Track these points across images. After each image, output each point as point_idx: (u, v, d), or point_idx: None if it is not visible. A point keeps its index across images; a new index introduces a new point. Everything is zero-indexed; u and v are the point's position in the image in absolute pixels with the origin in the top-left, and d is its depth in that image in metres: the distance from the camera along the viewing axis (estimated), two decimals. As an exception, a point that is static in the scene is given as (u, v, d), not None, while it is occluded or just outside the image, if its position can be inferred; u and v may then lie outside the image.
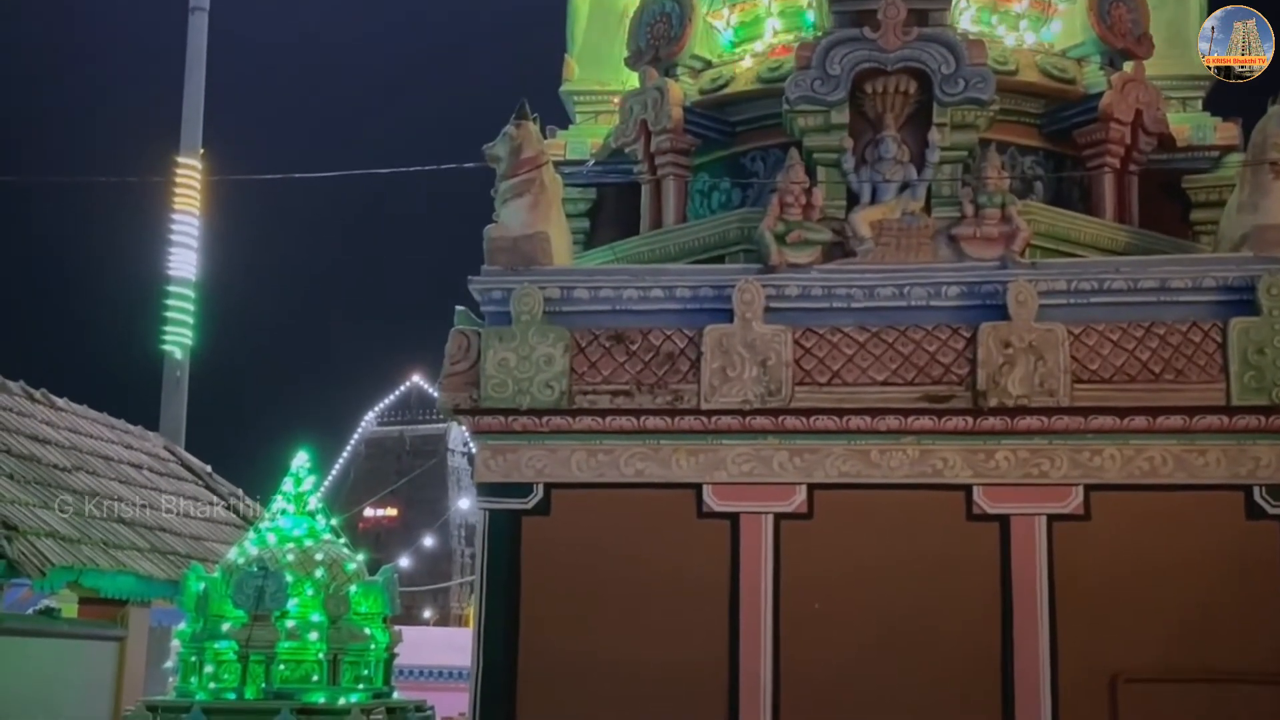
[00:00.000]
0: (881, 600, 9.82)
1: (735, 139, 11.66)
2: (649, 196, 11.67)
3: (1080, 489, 9.79)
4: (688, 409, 9.90)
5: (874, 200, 10.38)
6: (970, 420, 9.75)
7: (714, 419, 9.89)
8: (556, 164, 11.13)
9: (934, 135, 10.37)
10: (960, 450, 9.83)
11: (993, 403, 9.70)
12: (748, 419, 9.85)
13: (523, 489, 10.07)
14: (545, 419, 9.99)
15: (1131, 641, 9.61)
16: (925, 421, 9.79)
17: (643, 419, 9.95)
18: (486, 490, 10.20)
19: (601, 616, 9.90)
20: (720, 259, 10.81)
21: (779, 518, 9.89)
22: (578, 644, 9.85)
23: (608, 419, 9.96)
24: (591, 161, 12.17)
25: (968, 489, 9.84)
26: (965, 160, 10.48)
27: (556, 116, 12.76)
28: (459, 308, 10.47)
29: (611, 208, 12.10)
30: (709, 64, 11.93)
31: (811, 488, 9.89)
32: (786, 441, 9.90)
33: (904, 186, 10.42)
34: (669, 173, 11.55)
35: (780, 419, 9.83)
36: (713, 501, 9.96)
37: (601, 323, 10.16)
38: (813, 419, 9.82)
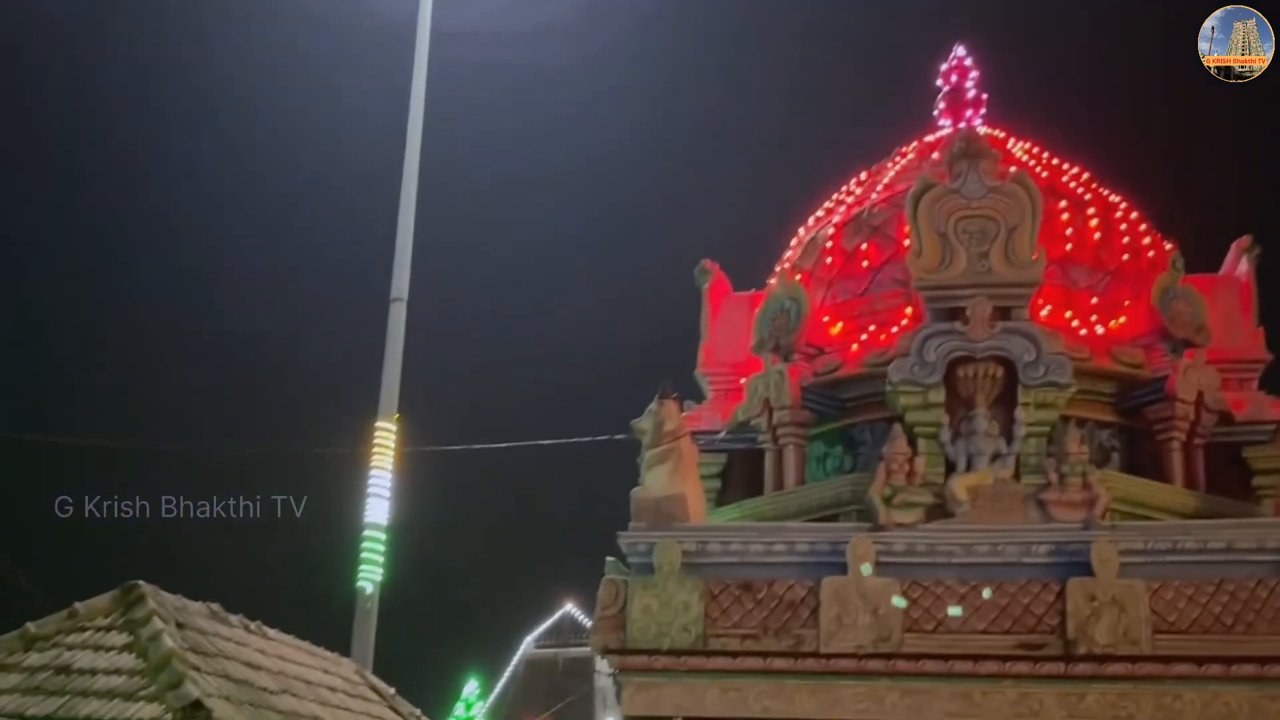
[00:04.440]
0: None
1: (846, 414, 11.64)
2: (771, 462, 11.66)
3: (1165, 731, 9.26)
4: (808, 652, 9.65)
5: (969, 468, 10.25)
6: (1062, 666, 9.36)
7: (832, 661, 9.62)
8: (692, 434, 11.19)
9: (1020, 413, 10.27)
10: (1054, 693, 9.41)
11: (1082, 651, 9.31)
12: (862, 662, 9.56)
13: (663, 722, 9.81)
14: (683, 659, 9.80)
15: None
16: (1022, 667, 9.41)
17: (769, 660, 9.71)
18: (632, 723, 9.96)
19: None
20: (834, 518, 10.69)
21: (893, 754, 9.49)
22: None
23: (738, 659, 9.74)
24: (722, 432, 12.21)
25: (1063, 729, 9.36)
26: (1048, 434, 10.33)
27: (692, 393, 12.90)
28: (609, 559, 10.44)
29: (739, 471, 12.09)
30: (822, 350, 12.01)
31: (921, 727, 9.50)
32: (897, 683, 9.57)
33: (995, 456, 10.28)
34: (788, 442, 11.56)
35: (892, 662, 9.53)
36: (832, 737, 9.59)
37: (732, 573, 10.03)
38: (921, 663, 9.50)
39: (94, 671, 13.18)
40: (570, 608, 71.96)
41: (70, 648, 13.58)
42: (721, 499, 11.98)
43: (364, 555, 28.29)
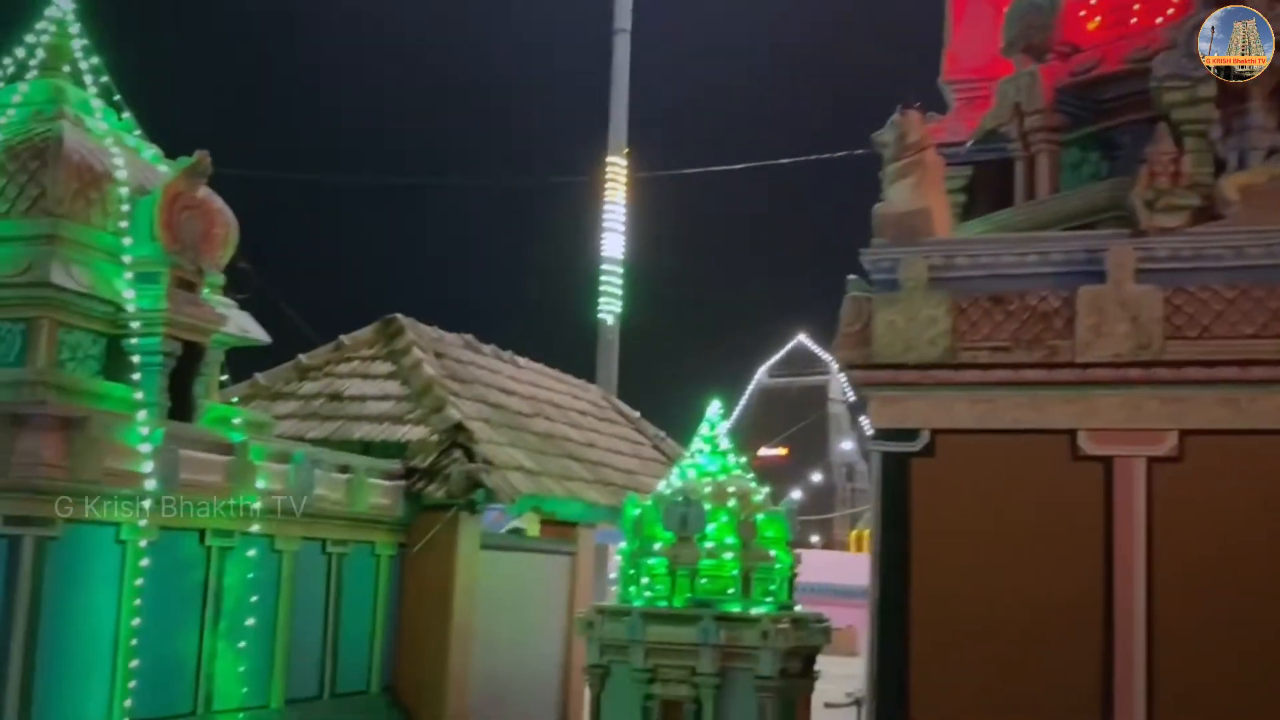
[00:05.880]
0: (1250, 538, 8.98)
1: (1103, 116, 10.91)
2: (1022, 171, 11.10)
3: None
4: (1063, 362, 9.33)
5: (1240, 167, 9.47)
6: (1339, 369, 8.77)
7: (1088, 371, 9.27)
8: (937, 146, 10.70)
9: (1300, 103, 9.37)
10: (1329, 398, 8.86)
11: (1361, 353, 8.68)
12: (1121, 370, 9.19)
13: (910, 434, 9.73)
14: (930, 372, 9.63)
15: None
16: (1294, 371, 8.87)
17: (1020, 371, 9.43)
18: (878, 435, 9.94)
19: (984, 547, 9.47)
20: (1090, 226, 10.12)
21: (1151, 461, 9.19)
22: (963, 571, 9.47)
23: (988, 372, 9.50)
24: (968, 143, 11.68)
25: (1337, 434, 8.87)
26: (1332, 125, 9.42)
27: (936, 104, 12.34)
28: (851, 277, 10.24)
29: (987, 183, 11.58)
30: (1077, 49, 11.20)
31: (1182, 433, 9.14)
32: (1158, 391, 9.16)
33: (1270, 152, 9.46)
34: (1041, 149, 10.95)
35: (1152, 370, 9.12)
36: (1087, 446, 9.33)
37: (981, 287, 9.68)
38: (1183, 370, 9.06)
39: (363, 398, 14.10)
40: (803, 337, 72.77)
41: (339, 377, 14.54)
42: (968, 213, 11.53)
43: (602, 288, 29.15)
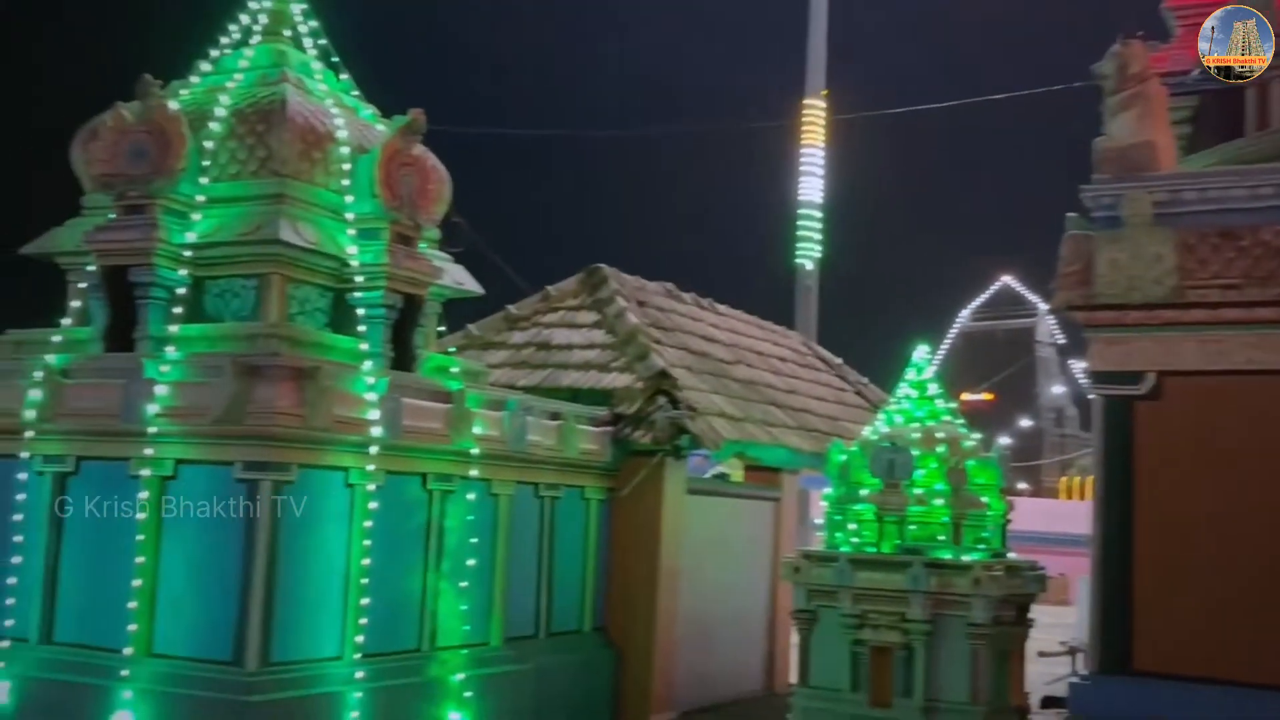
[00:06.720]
0: None
1: (1344, 37, 10.19)
2: (1253, 100, 10.49)
3: None
4: (1301, 301, 8.84)
5: None
6: None
7: (1328, 309, 8.78)
8: (1160, 76, 10.21)
9: None
10: None
11: None
12: (1365, 308, 8.66)
13: (1135, 377, 9.38)
14: (1156, 312, 9.25)
15: None
16: None
17: (1254, 310, 8.97)
18: (1100, 378, 9.60)
19: (1214, 492, 9.08)
20: (1331, 155, 9.53)
21: (1399, 402, 8.66)
22: (1191, 517, 9.11)
23: (1218, 311, 9.07)
24: (1194, 72, 11.08)
25: None
26: None
27: (1158, 31, 11.76)
28: (1070, 214, 9.90)
29: (1215, 113, 11.00)
30: (1314, -34, 10.49)
31: None
32: (1407, 329, 8.62)
33: None
34: (1273, 76, 10.30)
35: (1401, 308, 8.57)
36: (1326, 388, 8.86)
37: (1209, 222, 9.22)
38: None
39: (570, 346, 14.36)
40: (1007, 280, 70.88)
41: (547, 326, 14.84)
42: (1194, 145, 11.00)
43: (801, 233, 28.91)
